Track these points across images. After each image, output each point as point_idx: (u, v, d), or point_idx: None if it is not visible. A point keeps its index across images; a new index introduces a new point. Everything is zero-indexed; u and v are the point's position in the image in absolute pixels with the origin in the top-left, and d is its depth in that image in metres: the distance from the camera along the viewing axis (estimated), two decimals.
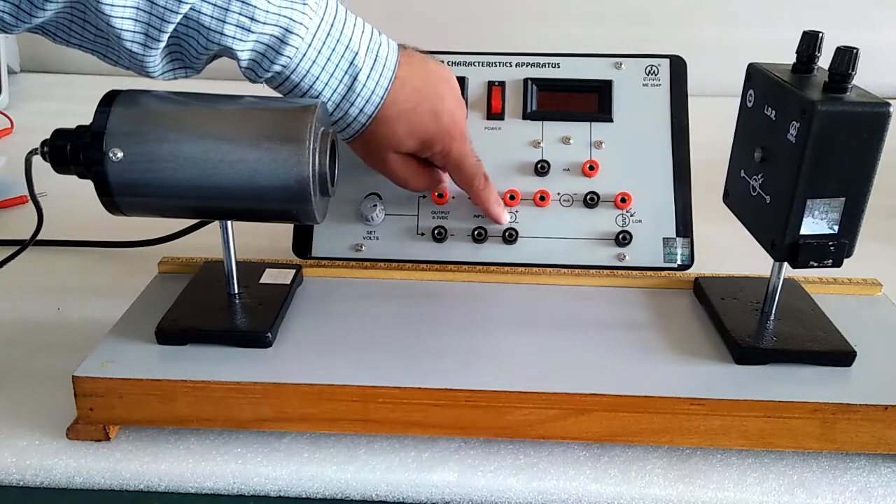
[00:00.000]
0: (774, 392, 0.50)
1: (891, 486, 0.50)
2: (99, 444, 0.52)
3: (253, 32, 0.48)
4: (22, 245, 0.66)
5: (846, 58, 0.47)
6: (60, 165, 0.51)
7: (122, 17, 0.46)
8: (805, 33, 0.51)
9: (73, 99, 1.24)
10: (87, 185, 0.51)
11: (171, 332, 0.54)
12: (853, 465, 0.51)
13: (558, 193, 0.66)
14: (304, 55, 0.51)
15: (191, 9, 0.47)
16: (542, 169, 0.66)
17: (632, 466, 0.51)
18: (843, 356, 0.52)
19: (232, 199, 0.51)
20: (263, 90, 0.55)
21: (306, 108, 0.51)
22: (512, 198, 0.66)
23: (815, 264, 0.50)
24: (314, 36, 0.51)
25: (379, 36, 0.55)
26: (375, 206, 0.66)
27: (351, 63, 0.52)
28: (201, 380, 0.50)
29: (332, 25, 0.51)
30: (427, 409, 0.50)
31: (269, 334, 0.54)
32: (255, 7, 0.48)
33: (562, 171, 0.67)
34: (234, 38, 0.48)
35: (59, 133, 0.51)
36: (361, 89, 0.53)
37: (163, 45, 0.48)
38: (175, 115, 0.50)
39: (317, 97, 0.53)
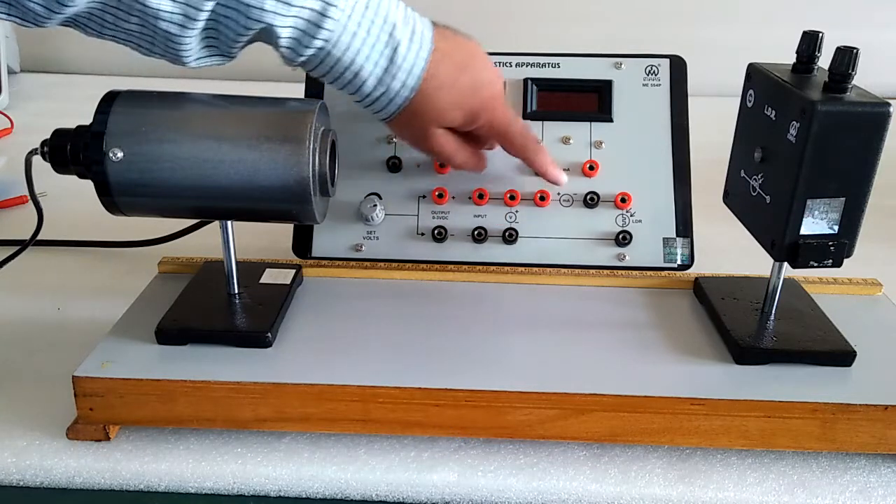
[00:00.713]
0: (774, 392, 0.50)
1: (891, 486, 0.50)
2: (99, 444, 0.52)
3: (293, 6, 0.48)
4: (22, 245, 0.66)
5: (846, 58, 0.47)
6: (60, 165, 0.51)
7: None
8: (805, 33, 0.51)
9: (73, 99, 1.24)
10: (87, 185, 0.51)
11: (171, 332, 0.54)
12: (853, 465, 0.51)
13: (558, 193, 0.66)
14: (345, 28, 0.50)
15: None
16: None
17: (632, 466, 0.51)
18: (843, 356, 0.52)
19: (232, 199, 0.51)
20: (266, 88, 0.55)
21: (306, 108, 0.51)
22: (512, 198, 0.66)
23: (815, 264, 0.50)
24: (353, 8, 0.50)
25: (411, 10, 0.54)
26: (375, 206, 0.65)
27: (390, 35, 0.52)
28: (201, 380, 0.50)
29: None
30: (427, 409, 0.50)
31: (269, 334, 0.54)
32: None
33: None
34: (274, 13, 0.47)
35: (59, 133, 0.51)
36: (402, 61, 0.53)
37: (201, 25, 0.47)
38: (175, 115, 0.50)
39: (358, 72, 0.52)
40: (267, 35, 0.49)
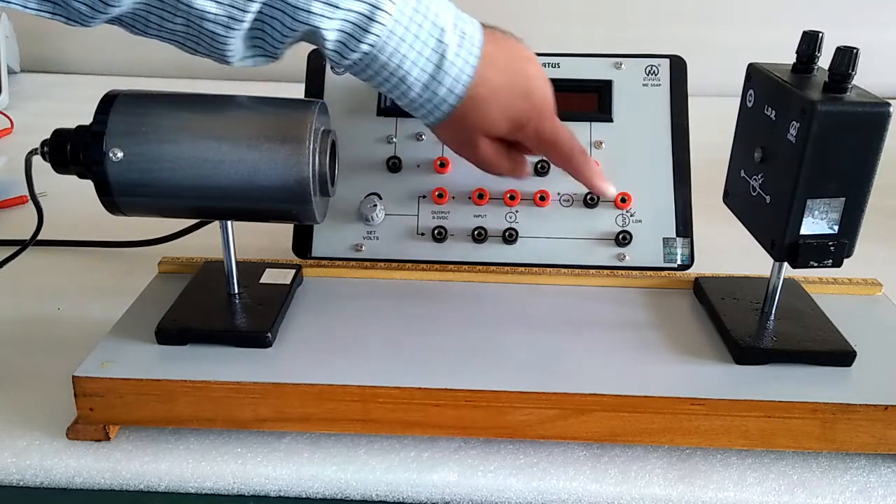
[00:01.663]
0: (774, 392, 0.50)
1: (891, 486, 0.50)
2: (99, 444, 0.52)
3: (340, 9, 0.47)
4: (22, 245, 0.66)
5: (846, 58, 0.47)
6: (60, 165, 0.51)
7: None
8: (805, 33, 0.51)
9: (73, 99, 1.24)
10: (87, 185, 0.51)
11: (171, 332, 0.54)
12: (853, 465, 0.51)
13: (558, 193, 0.66)
14: (393, 32, 0.49)
15: None
16: (542, 169, 0.66)
17: (632, 466, 0.51)
18: (843, 356, 0.52)
19: (232, 199, 0.51)
20: (266, 88, 0.55)
21: (306, 108, 0.51)
22: (512, 198, 0.66)
23: (815, 264, 0.50)
24: (401, 12, 0.49)
25: (461, 13, 0.53)
26: (375, 206, 0.65)
27: (439, 40, 0.50)
28: (201, 380, 0.50)
29: (419, 1, 0.50)
30: (427, 409, 0.50)
31: (269, 334, 0.54)
32: None
33: (562, 170, 0.66)
34: (321, 15, 0.47)
35: (59, 133, 0.51)
36: (450, 68, 0.51)
37: (246, 25, 0.47)
38: (175, 116, 0.50)
39: (404, 77, 0.51)
40: (313, 37, 0.48)
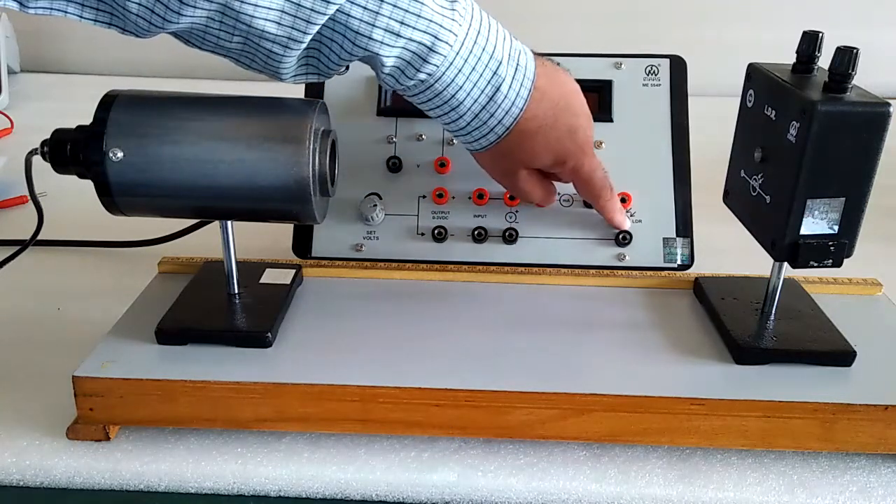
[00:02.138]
0: (774, 392, 0.50)
1: (891, 486, 0.50)
2: (99, 444, 0.52)
3: (402, 38, 0.47)
4: (22, 245, 0.66)
5: (846, 58, 0.47)
6: (60, 165, 0.51)
7: (266, 20, 0.45)
8: (805, 33, 0.51)
9: (73, 99, 1.24)
10: (87, 185, 0.51)
11: (171, 332, 0.54)
12: (853, 465, 0.51)
13: (558, 193, 0.66)
14: (451, 64, 0.49)
15: (338, 10, 0.45)
16: None
17: (632, 466, 0.51)
18: (843, 356, 0.52)
19: (232, 199, 0.51)
20: (266, 88, 0.55)
21: (306, 108, 0.51)
22: (512, 198, 0.66)
23: (815, 264, 0.50)
24: (462, 44, 0.49)
25: (515, 41, 0.53)
26: (375, 206, 0.65)
27: (495, 73, 0.51)
28: (201, 380, 0.50)
29: (478, 33, 0.50)
30: (427, 409, 0.50)
31: (269, 334, 0.54)
32: (406, 11, 0.46)
33: None
34: (381, 42, 0.46)
35: (59, 133, 0.51)
36: (503, 100, 0.52)
37: (304, 46, 0.47)
38: (175, 116, 0.50)
39: (457, 107, 0.51)
40: (370, 61, 0.48)
